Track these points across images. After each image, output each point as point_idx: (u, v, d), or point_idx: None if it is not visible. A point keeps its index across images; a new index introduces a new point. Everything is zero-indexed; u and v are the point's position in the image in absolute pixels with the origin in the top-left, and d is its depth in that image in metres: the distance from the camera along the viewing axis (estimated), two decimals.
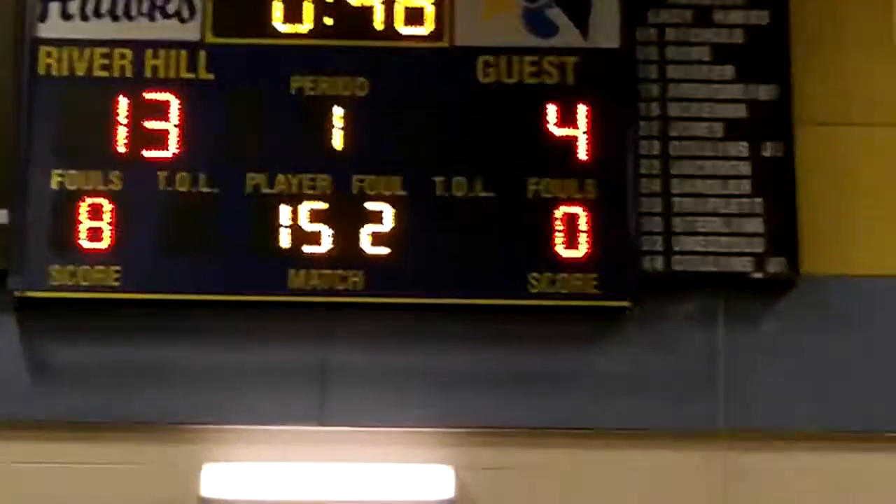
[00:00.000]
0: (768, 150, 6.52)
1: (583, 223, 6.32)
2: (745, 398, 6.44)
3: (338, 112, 6.37)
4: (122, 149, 6.28)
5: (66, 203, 6.22)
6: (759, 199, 6.48)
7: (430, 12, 6.49)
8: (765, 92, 6.58)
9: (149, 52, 6.39)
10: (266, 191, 6.28)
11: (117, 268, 6.19)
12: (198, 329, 6.35)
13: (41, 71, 6.33)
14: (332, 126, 6.36)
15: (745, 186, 6.50)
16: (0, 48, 6.35)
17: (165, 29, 6.42)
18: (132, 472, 6.30)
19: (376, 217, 6.31)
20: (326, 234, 6.27)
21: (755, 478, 6.43)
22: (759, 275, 6.43)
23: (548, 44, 6.51)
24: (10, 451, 6.27)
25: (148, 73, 6.38)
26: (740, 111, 6.57)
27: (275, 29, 6.45)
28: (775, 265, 6.42)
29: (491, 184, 6.36)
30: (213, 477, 6.23)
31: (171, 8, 6.43)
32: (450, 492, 6.29)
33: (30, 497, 6.26)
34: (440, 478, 6.30)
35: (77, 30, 6.39)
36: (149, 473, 6.31)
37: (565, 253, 6.31)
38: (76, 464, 6.28)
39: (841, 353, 6.49)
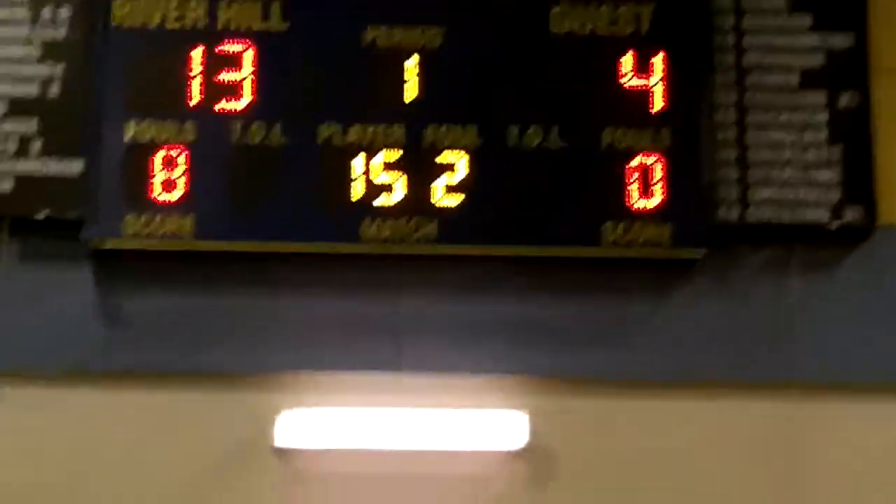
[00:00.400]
0: (845, 99, 6.53)
1: (657, 173, 6.34)
2: (818, 350, 6.46)
3: (411, 63, 6.39)
4: (195, 100, 6.31)
5: (141, 154, 6.27)
6: (835, 148, 6.49)
7: None
8: (841, 40, 6.59)
9: (222, 2, 6.40)
10: (339, 141, 6.33)
11: (191, 218, 6.25)
12: (272, 279, 6.40)
13: (115, 22, 6.35)
14: (406, 77, 6.38)
15: (821, 136, 6.51)
16: (75, 1, 6.40)
17: None
18: (208, 420, 6.36)
19: (449, 167, 6.34)
20: (399, 184, 6.32)
21: (827, 429, 6.46)
22: (834, 224, 6.45)
23: None
24: (86, 401, 6.34)
25: (221, 25, 6.40)
26: (816, 60, 6.58)
27: None
28: (851, 214, 6.44)
29: (565, 134, 6.38)
30: (289, 425, 6.30)
31: None
32: (524, 437, 6.36)
33: (106, 446, 6.34)
34: (515, 424, 6.36)
35: None
36: (222, 422, 6.37)
37: (639, 203, 6.33)
38: (151, 413, 6.36)
39: None
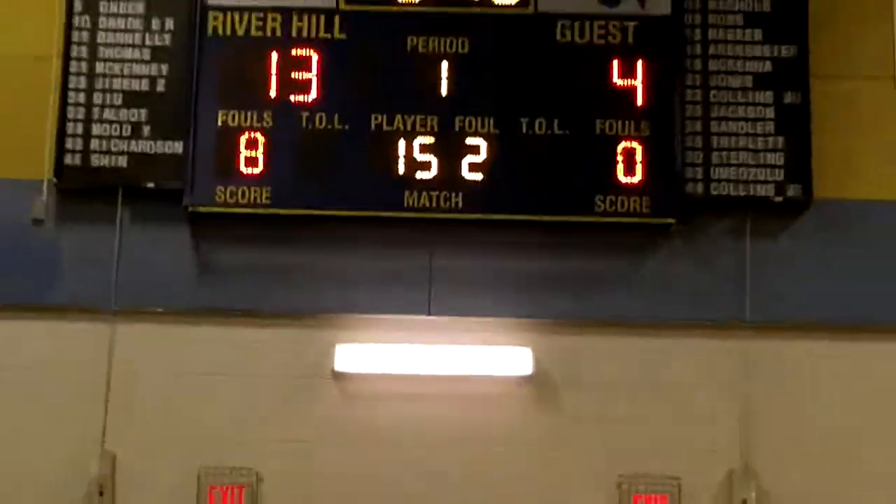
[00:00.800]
0: (788, 98, 7.18)
1: (639, 156, 7.02)
2: (766, 297, 7.09)
3: (444, 65, 7.10)
4: (273, 94, 7.06)
5: (229, 137, 7.00)
6: (780, 138, 7.13)
7: None
8: (786, 51, 7.22)
9: (295, 16, 7.13)
10: (387, 128, 7.04)
11: (268, 189, 6.97)
12: (332, 238, 7.11)
13: (210, 32, 7.10)
14: (440, 77, 7.08)
15: (770, 128, 7.14)
16: (178, 15, 7.20)
17: None
18: (280, 350, 7.10)
19: (473, 150, 7.05)
20: (434, 163, 7.03)
21: (772, 361, 7.10)
22: (779, 198, 7.10)
23: (613, 11, 7.19)
24: (184, 334, 7.11)
25: (294, 34, 7.12)
26: (766, 66, 7.21)
27: None
28: (793, 190, 7.09)
29: (565, 123, 7.06)
30: (344, 355, 7.03)
31: None
32: (528, 369, 7.08)
33: (197, 368, 7.08)
34: (521, 357, 7.06)
35: None
36: (292, 352, 7.09)
37: (624, 179, 7.01)
38: (235, 343, 7.10)
39: (844, 261, 7.16)
